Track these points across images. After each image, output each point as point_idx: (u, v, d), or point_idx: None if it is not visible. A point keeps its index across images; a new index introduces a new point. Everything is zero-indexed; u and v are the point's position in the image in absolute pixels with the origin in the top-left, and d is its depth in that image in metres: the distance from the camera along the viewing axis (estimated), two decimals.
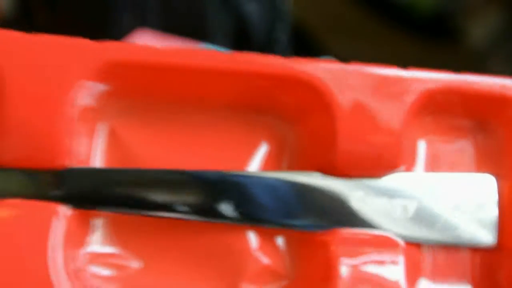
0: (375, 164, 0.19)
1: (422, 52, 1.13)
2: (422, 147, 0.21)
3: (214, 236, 0.20)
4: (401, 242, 0.20)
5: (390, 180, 0.19)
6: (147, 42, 0.55)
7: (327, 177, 0.19)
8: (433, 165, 0.20)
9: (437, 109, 0.21)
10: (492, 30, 1.06)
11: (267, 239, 0.20)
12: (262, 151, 0.20)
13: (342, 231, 0.19)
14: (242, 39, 0.72)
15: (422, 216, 0.19)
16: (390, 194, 0.19)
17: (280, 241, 0.20)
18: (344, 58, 0.73)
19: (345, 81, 0.19)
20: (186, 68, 0.18)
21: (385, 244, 0.19)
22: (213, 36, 0.69)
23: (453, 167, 0.21)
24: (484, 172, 0.21)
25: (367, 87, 0.19)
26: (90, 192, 0.18)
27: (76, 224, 0.19)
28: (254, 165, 0.20)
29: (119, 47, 0.18)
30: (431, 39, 1.15)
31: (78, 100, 0.18)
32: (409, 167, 0.20)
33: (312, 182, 0.18)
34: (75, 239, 0.19)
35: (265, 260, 0.20)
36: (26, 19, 0.73)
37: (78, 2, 0.70)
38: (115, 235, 0.20)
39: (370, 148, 0.19)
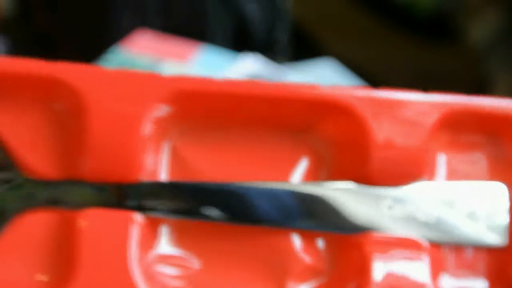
0: (402, 175, 0.22)
1: (422, 51, 1.13)
2: (441, 159, 0.24)
3: (263, 239, 0.23)
4: (425, 243, 0.23)
5: (414, 189, 0.23)
6: (147, 42, 0.55)
7: (361, 186, 0.22)
8: (451, 175, 0.24)
9: (454, 127, 0.24)
10: (491, 30, 1.06)
11: (308, 240, 0.23)
12: (303, 165, 0.24)
13: (374, 234, 0.22)
14: (242, 39, 0.72)
15: (442, 220, 0.23)
16: (414, 200, 0.22)
17: (320, 242, 0.23)
18: (344, 57, 0.73)
19: (377, 106, 0.23)
20: (239, 96, 0.22)
21: (411, 245, 0.22)
22: (213, 36, 0.69)
23: (468, 177, 0.24)
24: (496, 181, 0.24)
25: (395, 110, 0.23)
26: (158, 202, 0.22)
27: (147, 229, 0.22)
28: (296, 177, 0.23)
29: (184, 79, 0.22)
30: (431, 39, 1.15)
31: (149, 123, 0.21)
32: (430, 177, 0.23)
33: (349, 191, 0.22)
34: (146, 242, 0.22)
35: (307, 259, 0.23)
36: (26, 19, 0.73)
37: (78, 2, 0.70)
38: (179, 238, 0.23)
39: (398, 161, 0.22)
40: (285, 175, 0.23)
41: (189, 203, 0.22)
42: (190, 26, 0.69)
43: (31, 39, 0.72)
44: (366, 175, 0.22)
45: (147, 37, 0.56)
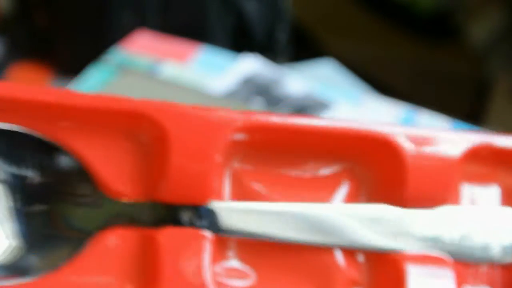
0: (431, 199, 0.26)
1: (422, 51, 1.13)
2: (464, 187, 0.28)
3: (310, 254, 0.26)
4: (450, 260, 0.26)
5: (442, 212, 0.26)
6: (146, 42, 0.55)
7: (395, 208, 0.26)
8: (471, 201, 0.27)
9: (476, 160, 0.28)
10: (492, 29, 1.06)
11: (350, 256, 0.26)
12: (344, 189, 0.27)
13: (407, 251, 0.25)
14: (242, 39, 0.72)
15: (466, 239, 0.26)
16: (442, 222, 0.26)
17: (360, 258, 0.26)
18: (344, 57, 0.73)
19: (414, 140, 0.26)
20: (297, 129, 0.26)
21: (439, 261, 0.26)
22: (213, 36, 0.69)
23: (486, 203, 0.28)
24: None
25: (428, 143, 0.26)
26: (225, 222, 0.25)
27: (216, 246, 0.25)
28: (337, 199, 0.27)
29: (252, 113, 0.26)
30: (431, 38, 1.15)
31: (220, 151, 0.25)
32: (454, 202, 0.27)
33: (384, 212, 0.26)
34: (216, 257, 0.25)
35: (348, 273, 0.26)
36: (24, 19, 0.73)
37: (78, 2, 0.70)
38: (242, 254, 0.26)
39: (429, 187, 0.26)
40: (328, 197, 0.27)
41: (253, 224, 0.25)
42: (190, 26, 0.69)
43: (30, 39, 0.72)
44: (401, 199, 0.26)
45: (146, 37, 0.56)
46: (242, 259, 0.25)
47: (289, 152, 0.26)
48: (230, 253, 0.25)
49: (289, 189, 0.26)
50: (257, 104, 0.49)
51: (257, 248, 0.25)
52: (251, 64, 0.54)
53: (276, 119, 0.25)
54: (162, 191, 0.24)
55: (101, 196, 0.24)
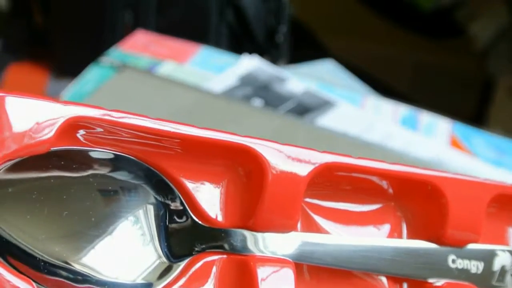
0: (465, 239, 0.30)
1: (424, 51, 1.12)
2: (490, 225, 0.32)
3: (359, 281, 0.29)
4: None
5: (471, 248, 0.30)
6: (146, 43, 0.55)
7: (433, 244, 0.30)
8: (494, 240, 0.32)
9: (502, 204, 0.32)
10: (494, 27, 1.06)
11: (395, 284, 0.29)
12: (390, 225, 0.31)
13: (444, 281, 0.30)
14: (242, 38, 0.72)
15: (488, 272, 0.31)
16: (470, 257, 0.30)
17: (404, 286, 0.30)
18: (344, 57, 0.73)
19: (453, 184, 0.30)
20: (369, 171, 0.29)
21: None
22: (213, 36, 0.69)
23: (504, 242, 0.33)
24: None
25: (463, 189, 0.30)
26: (299, 251, 0.28)
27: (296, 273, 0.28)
28: (382, 234, 0.31)
29: (329, 157, 0.28)
30: (433, 38, 1.15)
31: (306, 187, 0.28)
32: (483, 241, 0.31)
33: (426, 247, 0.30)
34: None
35: None
36: (22, 17, 0.73)
37: (76, 2, 0.70)
38: (309, 279, 0.29)
39: (465, 228, 0.30)
40: (376, 231, 0.30)
41: (320, 254, 0.28)
42: (189, 27, 0.69)
43: (27, 39, 0.72)
44: (440, 237, 0.30)
45: (146, 37, 0.56)
46: (310, 283, 0.28)
47: (350, 190, 0.29)
48: (305, 279, 0.28)
49: (343, 223, 0.29)
50: (257, 104, 0.49)
51: (318, 275, 0.28)
52: (250, 65, 0.53)
53: (350, 160, 0.28)
54: (253, 220, 0.26)
55: (195, 223, 0.26)
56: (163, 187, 0.26)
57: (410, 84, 1.09)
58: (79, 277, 0.24)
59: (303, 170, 0.27)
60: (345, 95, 0.52)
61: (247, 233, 0.26)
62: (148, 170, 0.26)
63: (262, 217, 0.26)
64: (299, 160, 0.27)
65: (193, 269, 0.25)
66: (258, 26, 0.71)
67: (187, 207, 0.26)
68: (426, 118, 0.51)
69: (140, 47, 0.54)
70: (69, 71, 0.60)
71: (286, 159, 0.27)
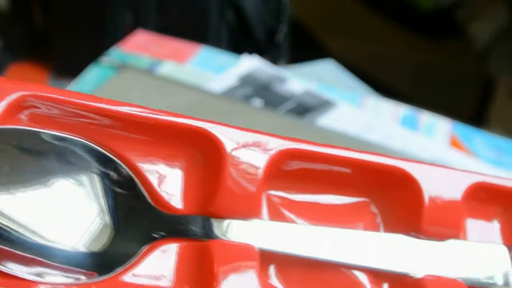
0: (444, 232, 0.29)
1: (424, 51, 1.12)
2: (469, 222, 0.31)
3: (337, 274, 0.28)
4: (464, 285, 0.29)
5: (451, 244, 0.29)
6: (146, 43, 0.55)
7: (411, 239, 0.29)
8: (475, 235, 0.31)
9: (477, 196, 0.31)
10: (494, 27, 1.06)
11: (375, 279, 0.28)
12: (365, 218, 0.30)
13: (428, 277, 0.28)
14: (242, 38, 0.72)
15: (471, 268, 0.29)
16: (453, 252, 0.29)
17: (383, 279, 0.28)
18: (344, 57, 0.73)
19: (427, 174, 0.29)
20: (331, 159, 0.28)
21: (453, 283, 0.28)
22: (213, 36, 0.69)
23: (490, 238, 0.31)
24: (508, 242, 0.31)
25: (440, 180, 0.29)
26: (265, 239, 0.27)
27: (260, 261, 0.27)
28: (360, 226, 0.30)
29: (289, 142, 0.28)
30: (433, 38, 1.15)
31: (267, 174, 0.27)
32: (463, 235, 0.30)
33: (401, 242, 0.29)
34: (261, 272, 0.27)
35: None
36: (22, 17, 0.73)
37: (77, 1, 0.70)
38: (278, 271, 0.28)
39: (441, 221, 0.29)
40: (351, 225, 0.29)
41: (290, 244, 0.27)
42: (189, 27, 0.69)
43: (28, 39, 0.72)
44: (418, 229, 0.28)
45: (146, 37, 0.56)
46: (279, 276, 0.27)
47: (317, 180, 0.29)
48: (270, 270, 0.27)
49: (314, 215, 0.29)
50: (257, 104, 0.49)
51: (291, 266, 0.27)
52: (250, 65, 0.53)
53: (312, 147, 0.28)
54: (213, 206, 0.26)
55: (152, 209, 0.25)
56: (120, 173, 0.25)
57: (410, 84, 1.09)
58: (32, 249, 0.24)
59: (262, 156, 0.26)
60: (345, 95, 0.52)
61: (207, 219, 0.26)
62: (102, 155, 0.25)
63: (221, 203, 0.26)
64: (258, 146, 0.27)
65: (151, 255, 0.25)
66: (258, 26, 0.71)
67: (145, 194, 0.25)
68: (426, 118, 0.51)
69: (140, 47, 0.54)
70: (69, 71, 0.60)
71: (245, 144, 0.26)
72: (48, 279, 0.23)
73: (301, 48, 0.82)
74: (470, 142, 0.50)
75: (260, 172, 0.26)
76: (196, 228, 0.26)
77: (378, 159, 0.29)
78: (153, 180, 0.26)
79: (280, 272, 0.27)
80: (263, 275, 0.26)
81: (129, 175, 0.26)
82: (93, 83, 0.49)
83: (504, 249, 0.30)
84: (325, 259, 0.27)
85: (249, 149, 0.26)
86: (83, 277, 0.24)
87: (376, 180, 0.29)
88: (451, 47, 1.13)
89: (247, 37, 0.72)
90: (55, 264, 0.24)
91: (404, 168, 0.29)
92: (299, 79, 0.53)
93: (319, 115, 0.49)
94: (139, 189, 0.26)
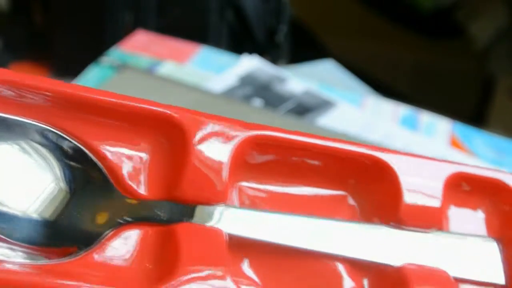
0: (425, 221, 0.28)
1: (424, 50, 1.12)
2: (451, 212, 0.30)
3: (313, 263, 0.27)
4: (447, 274, 0.28)
5: (436, 235, 0.29)
6: (146, 43, 0.55)
7: (391, 229, 0.28)
8: (459, 226, 0.30)
9: (459, 186, 0.30)
10: (494, 27, 1.06)
11: (354, 268, 0.28)
12: (343, 208, 0.29)
13: (409, 265, 0.27)
14: (242, 38, 0.72)
15: (455, 258, 0.28)
16: (435, 242, 0.28)
17: (362, 268, 0.28)
18: (344, 57, 0.73)
19: (405, 163, 0.29)
20: (304, 148, 0.28)
21: (435, 272, 0.27)
22: (213, 36, 0.69)
23: (470, 228, 0.30)
24: (492, 235, 0.30)
25: (419, 170, 0.29)
26: (234, 223, 0.27)
27: (229, 246, 0.27)
28: (337, 215, 0.29)
29: (265, 127, 0.28)
30: (433, 38, 1.15)
31: (232, 160, 0.27)
32: (445, 226, 0.29)
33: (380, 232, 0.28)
34: (230, 256, 0.26)
35: (352, 281, 0.28)
36: (23, 18, 0.73)
37: (76, 1, 0.70)
38: (251, 258, 0.27)
39: (420, 211, 0.28)
40: (328, 213, 0.29)
41: (261, 230, 0.26)
42: (190, 27, 0.69)
43: (28, 39, 0.72)
44: (397, 219, 0.28)
45: (146, 37, 0.56)
46: (251, 263, 0.27)
47: (292, 170, 0.28)
48: (241, 258, 0.27)
49: (290, 209, 0.28)
50: (257, 104, 0.49)
51: (265, 254, 0.27)
52: (250, 65, 0.53)
53: (287, 134, 0.27)
54: (178, 191, 0.26)
55: (118, 195, 0.26)
56: (86, 160, 0.26)
57: (410, 84, 1.09)
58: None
59: (228, 141, 0.26)
60: (345, 95, 0.52)
61: (173, 204, 0.26)
62: (67, 142, 0.26)
63: (187, 188, 0.25)
64: (224, 132, 0.26)
65: (116, 239, 0.25)
66: (258, 26, 0.71)
67: (111, 181, 0.26)
68: (426, 118, 0.51)
69: (140, 47, 0.54)
70: (69, 71, 0.60)
71: (211, 130, 0.26)
72: (12, 258, 0.24)
73: (301, 48, 0.82)
74: (470, 142, 0.50)
75: (226, 157, 0.26)
76: (161, 213, 0.25)
77: (353, 148, 0.28)
78: (119, 166, 0.26)
79: (252, 261, 0.27)
80: (233, 263, 0.26)
81: (95, 162, 0.26)
82: (93, 83, 0.49)
83: (492, 242, 0.30)
84: (300, 247, 0.26)
85: (215, 135, 0.26)
86: (45, 259, 0.24)
87: (352, 171, 0.28)
88: (451, 47, 1.13)
89: (247, 37, 0.72)
90: (17, 243, 0.24)
91: (381, 157, 0.28)
92: (299, 79, 0.53)
93: (319, 115, 0.49)
94: (105, 176, 0.26)
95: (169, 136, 0.26)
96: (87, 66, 0.51)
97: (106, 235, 0.25)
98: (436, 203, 0.28)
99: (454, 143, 0.49)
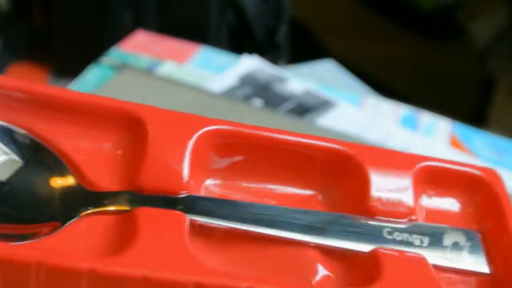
0: (397, 211, 0.28)
1: (424, 50, 1.12)
2: (424, 201, 0.30)
3: (286, 249, 0.27)
4: (423, 256, 0.28)
5: (412, 223, 0.29)
6: (146, 43, 0.55)
7: (361, 218, 0.28)
8: (430, 216, 0.30)
9: (431, 178, 0.30)
10: (494, 28, 1.06)
11: (326, 253, 0.27)
12: (314, 198, 0.29)
13: (383, 250, 0.27)
14: (242, 38, 0.72)
15: (437, 247, 0.28)
16: (410, 231, 0.28)
17: (335, 254, 0.28)
18: (344, 57, 0.73)
19: (373, 156, 0.29)
20: (267, 142, 0.28)
21: (413, 258, 0.27)
22: (213, 36, 0.69)
23: (445, 219, 0.30)
24: (469, 224, 0.30)
25: (388, 161, 0.29)
26: (197, 209, 0.27)
27: (192, 229, 0.27)
28: (306, 206, 0.29)
29: (223, 122, 0.28)
30: (433, 38, 1.15)
31: (192, 153, 0.27)
32: (417, 217, 0.29)
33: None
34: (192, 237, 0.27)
35: (324, 271, 0.27)
36: (23, 18, 0.73)
37: (76, 2, 0.70)
38: (213, 241, 0.27)
39: (393, 200, 0.28)
40: (298, 204, 0.29)
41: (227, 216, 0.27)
42: (189, 27, 0.69)
43: (28, 39, 0.72)
44: (366, 209, 0.28)
45: (146, 37, 0.56)
46: (215, 249, 0.27)
47: (258, 172, 0.29)
48: (205, 242, 0.27)
49: (261, 192, 0.28)
50: (257, 104, 0.49)
51: (231, 241, 0.27)
52: (250, 65, 0.53)
53: (247, 129, 0.28)
54: (138, 182, 0.26)
55: (79, 187, 0.26)
56: (46, 155, 0.26)
57: (410, 84, 1.09)
58: None
59: (186, 134, 0.27)
60: (345, 95, 0.52)
61: (133, 193, 0.26)
62: (28, 139, 0.26)
63: (148, 180, 0.26)
64: (182, 125, 0.27)
65: (77, 228, 0.25)
66: (258, 26, 0.72)
67: (71, 173, 0.26)
68: (426, 118, 0.51)
69: (140, 47, 0.54)
70: (69, 71, 0.60)
71: (169, 123, 0.27)
72: None
73: (301, 48, 0.82)
74: (470, 142, 0.50)
75: (186, 150, 0.27)
76: (122, 201, 0.26)
77: (319, 143, 0.28)
78: (80, 159, 0.27)
79: (216, 247, 0.27)
80: (195, 247, 0.26)
81: (55, 157, 0.26)
82: (93, 83, 0.49)
83: (472, 233, 0.29)
84: (267, 233, 0.27)
85: (174, 128, 0.27)
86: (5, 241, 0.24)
87: (320, 167, 0.29)
88: (451, 47, 1.13)
89: (247, 37, 0.72)
90: None
91: (348, 150, 0.28)
92: (299, 79, 0.53)
93: (319, 115, 0.49)
94: (66, 169, 0.26)
95: (129, 129, 0.27)
96: (87, 66, 0.51)
97: (67, 225, 0.25)
98: (407, 195, 0.28)
99: (454, 143, 0.49)
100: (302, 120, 0.49)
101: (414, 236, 0.28)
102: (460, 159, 0.48)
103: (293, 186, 0.29)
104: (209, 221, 0.26)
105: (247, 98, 0.50)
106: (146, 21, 0.67)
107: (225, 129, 0.27)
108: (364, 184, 0.28)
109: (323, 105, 0.50)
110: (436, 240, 0.28)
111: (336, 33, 1.11)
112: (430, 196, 0.30)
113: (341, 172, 0.28)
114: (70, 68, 0.57)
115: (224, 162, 0.28)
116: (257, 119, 0.47)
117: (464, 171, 0.30)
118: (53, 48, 0.70)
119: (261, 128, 0.28)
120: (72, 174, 0.26)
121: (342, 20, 1.15)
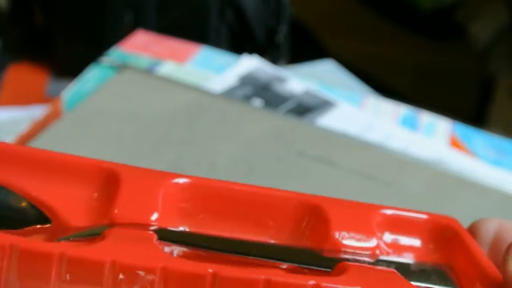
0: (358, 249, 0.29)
1: (424, 51, 1.13)
2: (386, 237, 0.31)
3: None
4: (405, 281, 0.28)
5: (374, 257, 0.29)
6: (146, 43, 0.55)
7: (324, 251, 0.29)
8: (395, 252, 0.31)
9: (390, 226, 0.31)
10: (494, 28, 1.06)
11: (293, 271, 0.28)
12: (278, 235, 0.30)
13: (348, 262, 0.28)
14: (242, 39, 0.72)
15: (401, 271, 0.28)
16: (375, 262, 0.28)
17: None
18: (344, 57, 0.73)
19: (338, 205, 0.30)
20: (232, 193, 0.29)
21: (391, 274, 0.28)
22: (213, 36, 0.69)
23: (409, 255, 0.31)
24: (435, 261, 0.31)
25: (349, 211, 0.30)
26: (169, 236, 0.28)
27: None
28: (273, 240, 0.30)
29: (197, 179, 0.29)
30: (432, 38, 1.15)
31: (162, 198, 0.28)
32: (381, 251, 0.30)
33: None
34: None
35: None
36: (23, 18, 0.73)
37: (76, 2, 0.70)
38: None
39: (357, 238, 0.29)
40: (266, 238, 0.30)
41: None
42: (190, 27, 0.69)
43: (28, 39, 0.72)
44: (330, 245, 0.28)
45: (146, 37, 0.56)
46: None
47: (223, 217, 0.29)
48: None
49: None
50: (257, 104, 0.49)
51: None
52: (250, 65, 0.53)
53: (208, 182, 0.29)
54: (119, 215, 0.27)
55: (57, 226, 0.28)
56: (28, 208, 0.28)
57: (410, 84, 1.09)
58: None
59: (158, 187, 0.28)
60: (345, 95, 0.52)
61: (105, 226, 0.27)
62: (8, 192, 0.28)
63: (120, 216, 0.27)
64: (150, 179, 0.28)
65: None
66: (258, 26, 0.71)
67: (47, 216, 0.28)
68: (426, 118, 0.51)
69: (140, 47, 0.54)
70: (69, 71, 0.60)
71: (141, 176, 0.28)
72: None
73: (301, 48, 0.82)
74: (470, 142, 0.50)
75: (156, 201, 0.28)
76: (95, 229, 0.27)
77: (274, 193, 0.29)
78: (56, 205, 0.28)
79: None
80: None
81: (35, 208, 0.28)
82: (93, 83, 0.49)
83: (440, 269, 0.30)
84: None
85: (142, 180, 0.28)
86: None
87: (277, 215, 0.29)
88: (451, 47, 1.13)
89: (247, 37, 0.71)
90: None
91: (314, 201, 0.29)
92: (299, 79, 0.53)
93: (319, 115, 0.49)
94: (45, 216, 0.28)
95: (101, 181, 0.29)
96: (87, 66, 0.51)
97: None
98: (369, 233, 0.29)
99: (454, 143, 0.49)
100: (302, 120, 0.49)
101: (380, 263, 0.28)
102: (460, 159, 0.48)
103: (255, 235, 0.29)
104: (181, 248, 0.27)
105: (247, 98, 0.50)
106: (146, 21, 0.67)
107: (187, 183, 0.29)
108: (326, 228, 0.29)
109: (323, 105, 0.50)
110: (403, 267, 0.28)
111: (336, 33, 1.11)
112: (392, 235, 0.31)
113: (307, 219, 0.29)
114: (70, 68, 0.57)
115: (190, 214, 0.29)
116: (257, 119, 0.48)
117: (421, 219, 0.30)
118: (53, 48, 0.70)
119: (226, 183, 0.29)
120: (49, 218, 0.28)
121: (342, 20, 1.15)
